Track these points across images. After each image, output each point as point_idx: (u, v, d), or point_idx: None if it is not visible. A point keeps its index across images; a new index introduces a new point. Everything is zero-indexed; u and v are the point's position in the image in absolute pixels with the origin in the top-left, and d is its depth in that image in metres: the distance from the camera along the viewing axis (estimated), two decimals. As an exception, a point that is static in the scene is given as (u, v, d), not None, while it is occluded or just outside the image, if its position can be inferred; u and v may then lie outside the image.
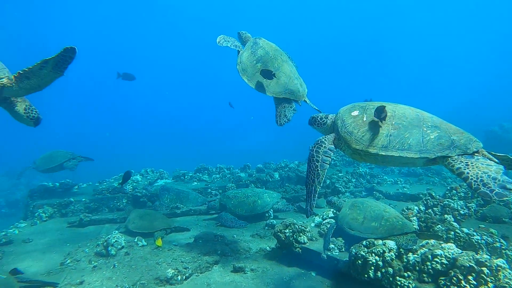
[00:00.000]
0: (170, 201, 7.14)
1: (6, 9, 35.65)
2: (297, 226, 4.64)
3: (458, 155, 2.89)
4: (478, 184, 2.56)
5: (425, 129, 3.04)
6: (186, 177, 9.32)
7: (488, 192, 2.48)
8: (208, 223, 6.52)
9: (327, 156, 3.32)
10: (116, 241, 5.06)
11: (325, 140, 3.44)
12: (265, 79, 4.31)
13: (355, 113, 3.34)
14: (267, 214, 6.51)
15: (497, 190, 2.46)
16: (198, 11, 45.50)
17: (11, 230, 6.59)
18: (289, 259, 4.67)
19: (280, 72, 4.37)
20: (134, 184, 8.23)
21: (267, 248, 5.14)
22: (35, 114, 3.76)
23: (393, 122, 3.12)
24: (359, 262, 3.73)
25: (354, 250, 3.87)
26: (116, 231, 5.52)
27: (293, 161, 10.15)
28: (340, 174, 8.89)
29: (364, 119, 3.24)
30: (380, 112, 3.03)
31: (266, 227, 5.96)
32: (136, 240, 5.41)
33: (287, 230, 4.65)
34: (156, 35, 47.77)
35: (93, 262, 4.78)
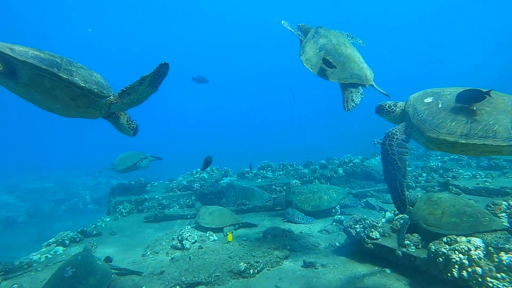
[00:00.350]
0: (236, 198, 7.42)
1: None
2: (368, 221, 4.49)
3: None
4: None
5: None
6: (250, 174, 9.59)
7: None
8: (275, 219, 6.64)
9: (403, 148, 3.17)
10: (189, 235, 5.43)
11: (396, 131, 3.30)
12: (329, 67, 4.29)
13: (428, 99, 3.18)
14: (333, 210, 6.42)
15: None
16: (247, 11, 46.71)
17: (99, 224, 7.43)
18: (361, 255, 4.55)
19: (344, 58, 4.32)
20: (202, 182, 8.71)
21: (337, 244, 5.07)
22: (134, 125, 4.17)
23: (474, 108, 2.89)
24: (440, 259, 3.48)
25: (433, 247, 3.62)
26: (188, 226, 5.90)
27: (357, 156, 9.82)
28: (408, 169, 8.35)
29: (440, 105, 3.05)
30: (473, 96, 2.81)
31: (334, 223, 5.87)
32: (207, 234, 5.75)
33: (357, 226, 4.54)
34: (220, 40, 50.08)
35: (170, 254, 5.19)
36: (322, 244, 5.14)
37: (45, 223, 14.08)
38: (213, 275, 4.25)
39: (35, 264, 5.33)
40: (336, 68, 4.23)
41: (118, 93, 3.68)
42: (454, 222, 3.87)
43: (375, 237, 4.42)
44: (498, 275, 3.17)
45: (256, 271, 4.35)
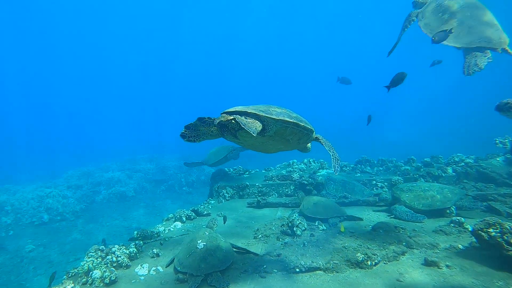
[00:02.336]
0: (336, 190, 7.44)
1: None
2: (508, 226, 4.10)
3: None
4: None
5: None
6: (347, 168, 9.47)
7: None
8: (379, 214, 6.48)
9: None
10: (300, 222, 5.64)
11: None
12: (453, 30, 4.00)
13: None
14: (448, 211, 5.98)
15: None
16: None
17: (206, 206, 8.12)
18: (494, 261, 4.17)
19: (472, 20, 3.95)
20: (301, 172, 8.89)
21: (459, 246, 4.73)
22: None
23: None
24: None
25: None
26: (296, 214, 6.11)
27: (469, 156, 8.91)
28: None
29: None
30: None
31: (452, 224, 5.48)
32: (316, 223, 5.90)
33: (491, 230, 4.17)
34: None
35: (281, 239, 5.46)
36: (441, 244, 4.86)
37: (148, 199, 16.01)
38: (331, 262, 4.37)
39: (162, 235, 6.15)
40: (452, 33, 3.91)
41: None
42: None
43: (516, 244, 4.02)
44: None
45: (374, 263, 4.35)
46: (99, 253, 5.00)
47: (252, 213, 7.36)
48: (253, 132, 2.99)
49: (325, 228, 5.73)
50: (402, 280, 3.95)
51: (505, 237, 4.04)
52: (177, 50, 55.92)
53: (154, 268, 4.63)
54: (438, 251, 4.69)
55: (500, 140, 7.96)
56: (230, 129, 3.26)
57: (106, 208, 14.83)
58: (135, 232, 5.96)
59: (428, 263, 4.27)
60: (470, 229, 5.19)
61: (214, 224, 5.57)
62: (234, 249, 4.99)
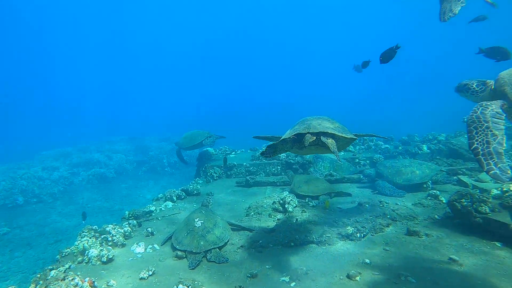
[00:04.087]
0: (324, 168, 7.78)
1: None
2: (477, 196, 4.56)
3: None
4: None
5: None
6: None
7: None
8: (363, 190, 6.89)
9: (498, 119, 2.87)
10: (291, 200, 5.91)
11: (490, 104, 2.99)
12: None
13: None
14: (425, 185, 6.48)
15: None
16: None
17: (195, 185, 8.20)
18: (465, 228, 4.66)
19: None
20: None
21: (436, 216, 5.21)
22: None
23: None
24: None
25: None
26: (287, 192, 6.38)
27: (440, 133, 9.52)
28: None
29: None
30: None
31: (429, 197, 5.97)
32: (306, 200, 6.21)
33: (463, 200, 4.62)
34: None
35: (273, 216, 5.73)
36: (420, 216, 5.31)
37: (130, 180, 15.86)
38: (323, 235, 4.68)
39: (154, 214, 6.25)
40: None
41: None
42: None
43: (484, 212, 4.49)
44: None
45: (362, 235, 4.71)
46: (93, 233, 5.02)
47: (241, 191, 7.57)
48: (334, 152, 3.43)
49: (315, 204, 6.05)
50: (388, 249, 4.33)
51: (474, 206, 4.51)
52: (160, 36, 54.76)
53: (150, 246, 4.75)
54: (418, 222, 5.13)
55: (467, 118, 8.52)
56: (306, 145, 3.56)
57: (86, 190, 14.58)
58: (127, 212, 6.03)
59: (410, 233, 4.69)
60: (444, 201, 5.70)
61: (209, 202, 5.72)
62: (231, 226, 5.20)
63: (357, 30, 53.98)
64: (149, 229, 5.30)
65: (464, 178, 6.72)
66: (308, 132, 3.57)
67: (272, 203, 6.08)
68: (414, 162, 6.67)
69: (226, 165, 7.85)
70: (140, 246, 4.75)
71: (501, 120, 2.86)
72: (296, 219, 5.35)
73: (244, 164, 8.78)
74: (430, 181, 6.50)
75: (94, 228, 5.13)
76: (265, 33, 57.20)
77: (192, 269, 4.09)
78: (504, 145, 2.74)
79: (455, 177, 6.88)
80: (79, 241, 4.76)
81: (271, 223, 5.42)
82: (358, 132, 4.27)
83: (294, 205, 5.85)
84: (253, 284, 3.69)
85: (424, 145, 8.59)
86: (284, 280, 3.71)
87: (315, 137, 3.55)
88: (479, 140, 2.82)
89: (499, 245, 4.21)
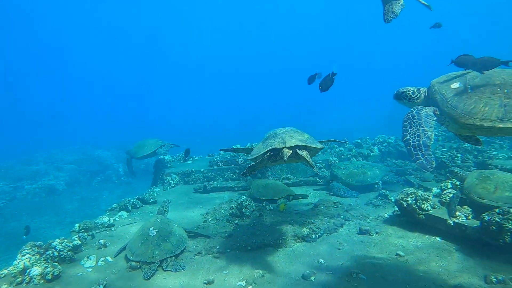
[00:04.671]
0: (282, 171, 7.91)
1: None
2: (420, 194, 4.89)
3: None
4: None
5: None
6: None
7: None
8: (319, 192, 7.11)
9: (430, 119, 3.07)
10: (248, 204, 5.93)
11: (425, 107, 3.18)
12: None
13: (455, 85, 3.12)
14: (376, 186, 6.84)
15: None
16: None
17: (151, 193, 7.97)
18: (410, 225, 4.98)
19: None
20: (245, 156, 9.17)
21: (385, 215, 5.51)
22: None
23: (505, 91, 2.88)
24: (493, 228, 3.87)
25: (487, 217, 3.99)
26: (244, 197, 6.40)
27: (390, 136, 10.13)
28: (443, 149, 8.65)
29: (469, 90, 3.00)
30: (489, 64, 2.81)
31: (379, 197, 6.31)
32: (264, 204, 6.27)
33: (409, 198, 4.94)
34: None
35: (231, 221, 5.71)
36: (372, 215, 5.59)
37: (83, 192, 14.96)
38: (280, 238, 4.75)
39: (107, 225, 5.95)
40: None
41: None
42: (508, 196, 4.25)
43: (426, 209, 4.83)
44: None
45: (317, 236, 4.84)
46: (36, 250, 4.62)
47: (199, 198, 7.48)
48: (311, 163, 3.69)
49: (272, 208, 6.13)
50: (341, 248, 4.49)
51: (418, 203, 4.84)
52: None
53: (102, 259, 4.51)
54: (369, 221, 5.39)
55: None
56: (286, 160, 3.72)
57: (32, 204, 13.47)
58: (77, 225, 5.68)
59: (361, 232, 4.91)
60: (393, 200, 6.04)
61: (165, 210, 5.57)
62: (187, 233, 5.11)
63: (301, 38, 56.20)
64: (101, 241, 5.03)
65: (411, 178, 7.20)
66: (285, 147, 3.68)
67: (230, 208, 6.06)
68: (366, 164, 7.03)
69: (187, 158, 7.57)
70: (91, 259, 4.49)
71: (432, 121, 3.11)
72: (254, 223, 5.38)
73: (202, 170, 8.68)
74: (380, 182, 6.88)
75: (38, 244, 4.73)
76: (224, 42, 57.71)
77: (147, 279, 3.95)
78: (432, 140, 2.98)
79: (403, 177, 7.34)
80: (19, 260, 4.35)
81: (228, 228, 5.40)
82: (320, 138, 4.44)
83: (252, 209, 5.88)
84: (209, 291, 3.65)
85: (375, 148, 9.09)
86: (240, 284, 3.71)
87: (291, 151, 3.69)
88: (411, 133, 3.02)
89: (439, 240, 4.55)
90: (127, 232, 5.58)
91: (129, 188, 15.58)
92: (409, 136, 2.98)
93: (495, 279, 3.42)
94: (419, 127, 3.02)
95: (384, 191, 6.39)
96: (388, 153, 8.84)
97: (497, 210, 4.03)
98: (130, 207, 6.83)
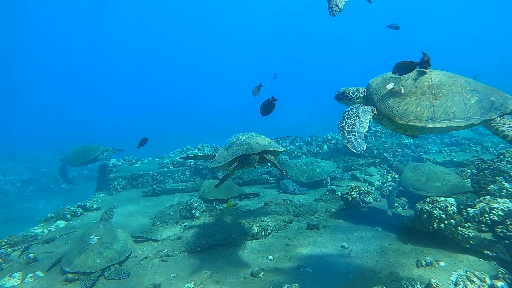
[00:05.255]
0: (233, 172, 7.84)
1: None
2: (363, 188, 5.15)
3: (499, 116, 2.89)
4: None
5: (465, 94, 2.99)
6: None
7: None
8: (270, 190, 7.18)
9: (367, 114, 3.17)
10: (198, 205, 5.82)
11: (364, 105, 3.29)
12: None
13: (390, 86, 3.20)
14: (324, 182, 7.07)
15: None
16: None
17: (95, 199, 7.51)
18: (355, 218, 5.23)
19: None
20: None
21: (333, 209, 5.72)
22: None
23: (433, 92, 3.01)
24: (425, 216, 4.18)
25: (419, 206, 4.31)
26: (195, 198, 6.26)
27: (339, 133, 10.58)
28: (386, 145, 9.23)
29: (402, 91, 3.11)
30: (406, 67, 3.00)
31: (327, 192, 6.53)
32: (214, 204, 6.18)
33: (353, 193, 5.18)
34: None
35: (180, 223, 5.56)
36: (320, 210, 5.76)
37: (11, 204, 13.49)
38: (230, 237, 4.70)
39: (40, 237, 5.46)
40: None
41: None
42: (436, 186, 4.64)
43: (369, 202, 5.11)
44: (466, 225, 3.94)
45: (267, 233, 4.88)
46: None
47: (148, 201, 7.18)
48: (279, 167, 3.83)
49: (222, 208, 6.06)
50: (290, 244, 4.56)
51: (361, 197, 5.10)
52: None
53: (30, 275, 4.06)
54: (318, 216, 5.56)
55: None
56: (256, 166, 3.87)
57: None
58: (-2, 240, 5.08)
59: (310, 227, 5.04)
60: (339, 195, 6.29)
61: (109, 216, 5.25)
62: (134, 238, 4.88)
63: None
64: (30, 255, 4.54)
65: (357, 173, 7.57)
66: (253, 153, 3.78)
67: (179, 210, 5.91)
68: (315, 161, 7.26)
69: (141, 145, 7.05)
70: (15, 277, 3.99)
71: (369, 115, 3.22)
72: (203, 224, 5.28)
73: (151, 173, 8.36)
74: (328, 178, 7.13)
75: None
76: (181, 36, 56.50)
77: (85, 291, 3.68)
78: (366, 129, 3.07)
79: (349, 173, 7.69)
80: None
81: (177, 231, 5.25)
82: (273, 136, 4.54)
83: (202, 210, 5.78)
84: (155, 296, 3.50)
85: (324, 145, 9.44)
86: (188, 286, 3.60)
87: (259, 156, 3.82)
88: (348, 121, 3.11)
89: (380, 229, 4.83)
90: (66, 242, 5.17)
91: (72, 195, 14.41)
92: (345, 124, 3.08)
93: (424, 262, 3.70)
94: (356, 117, 3.11)
95: (332, 186, 6.64)
96: (336, 150, 9.21)
97: (427, 199, 4.38)
98: (69, 216, 6.34)
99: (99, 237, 4.38)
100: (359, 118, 3.10)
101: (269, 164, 4.06)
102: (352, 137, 2.97)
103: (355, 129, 3.01)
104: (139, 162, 9.42)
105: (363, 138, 2.97)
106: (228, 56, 60.75)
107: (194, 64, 61.80)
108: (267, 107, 5.07)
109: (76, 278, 3.93)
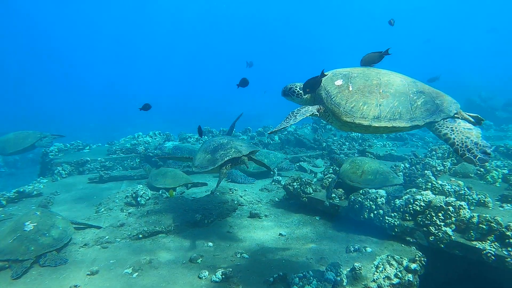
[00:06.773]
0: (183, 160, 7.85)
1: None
2: (304, 179, 5.47)
3: (443, 119, 2.94)
4: (463, 150, 2.74)
5: (411, 95, 3.01)
6: (192, 139, 9.99)
7: (472, 158, 2.70)
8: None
9: (306, 113, 3.18)
10: (144, 192, 5.81)
11: (309, 107, 3.27)
12: None
13: (339, 82, 3.16)
14: (272, 172, 7.34)
15: (479, 156, 2.68)
16: None
17: (36, 185, 7.16)
18: (296, 207, 5.55)
19: None
20: (146, 145, 8.86)
21: (276, 199, 6.00)
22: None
23: (381, 91, 3.01)
24: (357, 206, 4.60)
25: (353, 197, 4.72)
26: (141, 185, 6.22)
27: (291, 125, 10.92)
28: (335, 138, 9.75)
29: (350, 88, 3.08)
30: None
31: (273, 183, 6.81)
32: (160, 192, 6.20)
33: (295, 183, 5.47)
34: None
35: (125, 211, 5.53)
36: (264, 199, 6.02)
37: None
38: (172, 225, 4.80)
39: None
40: None
41: None
42: (370, 179, 5.06)
43: (309, 192, 5.43)
44: (392, 214, 4.40)
45: (210, 221, 5.02)
46: None
47: (94, 188, 7.00)
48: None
49: (169, 195, 6.10)
50: (231, 232, 4.76)
51: (302, 188, 5.41)
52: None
53: None
54: (261, 205, 5.81)
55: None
56: (248, 167, 5.01)
57: None
58: None
59: (252, 215, 5.27)
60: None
61: (49, 202, 5.10)
62: (74, 225, 4.79)
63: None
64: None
65: (304, 165, 7.94)
66: (243, 155, 4.42)
67: (125, 197, 5.87)
68: (264, 152, 7.50)
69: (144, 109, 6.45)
70: None
71: (307, 114, 3.19)
72: (147, 211, 5.31)
73: (99, 159, 8.12)
74: (276, 168, 7.41)
75: None
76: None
77: (16, 279, 3.59)
78: (296, 121, 3.15)
79: (297, 164, 8.04)
80: None
81: (122, 218, 5.22)
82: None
83: (147, 197, 5.79)
84: (92, 281, 3.52)
85: (275, 136, 9.73)
86: (127, 272, 3.67)
87: (247, 157, 4.53)
88: (285, 122, 3.13)
89: (318, 218, 5.19)
90: (-2, 229, 4.93)
91: (13, 180, 13.43)
92: (282, 123, 3.16)
93: (353, 248, 4.08)
94: (294, 119, 3.14)
95: (278, 177, 6.93)
96: (287, 141, 9.54)
97: (361, 191, 4.79)
98: (4, 202, 6.01)
99: (35, 224, 4.25)
100: (295, 116, 3.12)
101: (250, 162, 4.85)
102: (291, 121, 3.12)
103: (293, 118, 3.15)
104: (87, 147, 9.06)
105: (296, 121, 3.12)
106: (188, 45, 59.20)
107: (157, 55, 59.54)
108: (244, 82, 6.25)
109: (7, 266, 3.81)
